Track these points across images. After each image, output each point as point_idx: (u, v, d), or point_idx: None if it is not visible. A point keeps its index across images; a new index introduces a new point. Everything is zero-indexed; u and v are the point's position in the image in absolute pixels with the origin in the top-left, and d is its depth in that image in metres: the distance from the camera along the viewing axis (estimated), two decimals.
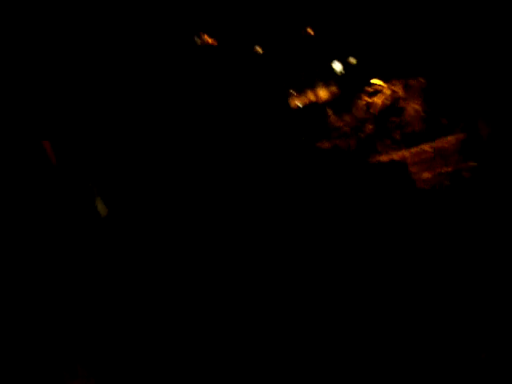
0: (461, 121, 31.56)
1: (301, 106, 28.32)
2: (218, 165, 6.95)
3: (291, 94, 32.07)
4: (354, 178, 8.06)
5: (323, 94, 33.71)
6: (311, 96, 33.74)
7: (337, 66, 36.07)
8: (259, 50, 19.53)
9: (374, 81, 30.42)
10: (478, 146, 28.35)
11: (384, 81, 31.02)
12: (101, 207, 6.47)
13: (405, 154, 28.91)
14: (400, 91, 30.37)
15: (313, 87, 35.22)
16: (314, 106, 31.22)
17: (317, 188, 7.47)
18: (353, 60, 33.27)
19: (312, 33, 28.22)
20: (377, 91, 31.52)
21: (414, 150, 30.52)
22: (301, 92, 34.03)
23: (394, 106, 30.23)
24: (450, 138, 30.25)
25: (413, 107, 30.78)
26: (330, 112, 34.72)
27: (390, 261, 7.04)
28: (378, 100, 30.61)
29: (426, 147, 30.93)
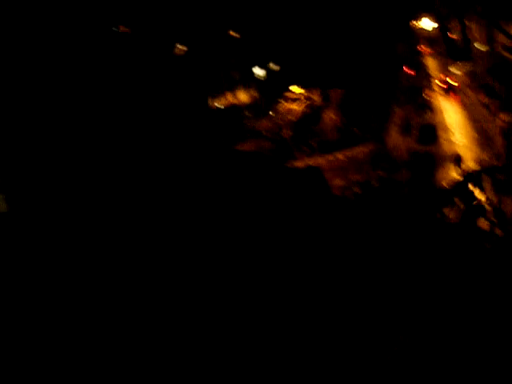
0: (371, 132, 33.01)
1: (220, 107, 28.15)
2: (131, 163, 6.68)
3: (211, 95, 31.80)
4: (271, 182, 8.10)
5: (243, 96, 33.81)
6: (231, 98, 33.66)
7: (258, 71, 36.36)
8: (182, 48, 19.25)
9: (293, 88, 31.08)
10: (385, 156, 29.77)
11: (303, 89, 31.81)
12: (1, 204, 6.02)
13: (320, 160, 29.89)
14: (318, 100, 31.35)
15: (233, 90, 35.18)
16: (234, 109, 31.19)
17: (233, 189, 7.40)
18: (274, 66, 33.75)
19: (236, 36, 28.21)
20: (296, 98, 32.23)
21: (328, 157, 31.60)
22: (221, 94, 33.82)
23: (311, 114, 31.11)
24: (362, 148, 31.68)
25: (329, 116, 31.91)
26: (249, 115, 34.71)
27: (295, 261, 7.19)
28: (296, 107, 31.32)
29: (340, 155, 32.18)
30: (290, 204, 7.62)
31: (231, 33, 31.55)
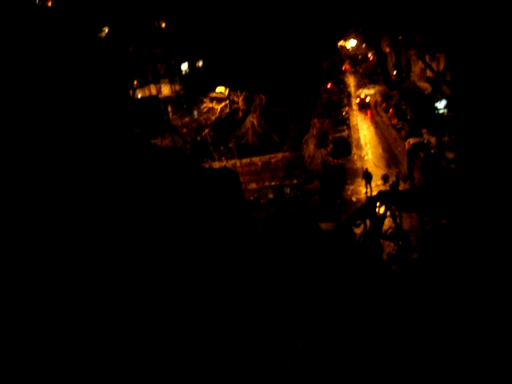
0: (288, 140, 33.62)
1: (140, 96, 27.13)
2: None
3: (134, 86, 30.66)
4: (186, 180, 7.95)
5: (166, 89, 32.95)
6: (154, 90, 32.62)
7: (184, 67, 35.62)
8: (105, 30, 18.38)
9: (218, 88, 30.87)
10: (300, 165, 30.37)
11: (228, 90, 31.70)
12: None
13: (236, 163, 29.93)
14: (241, 103, 31.39)
15: (157, 82, 34.09)
16: (155, 100, 30.25)
17: (148, 184, 7.17)
18: (201, 63, 33.29)
19: (163, 26, 27.44)
20: (220, 99, 32.04)
21: (245, 160, 31.74)
22: (145, 85, 32.69)
23: (233, 116, 31.09)
24: (278, 155, 32.17)
25: (250, 120, 32.06)
26: (170, 109, 33.91)
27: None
28: (219, 107, 31.10)
29: (256, 160, 32.46)
30: (202, 204, 7.49)
31: (159, 23, 30.77)
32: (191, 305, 6.23)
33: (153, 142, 26.80)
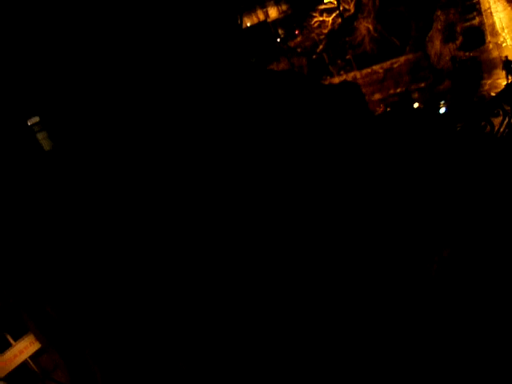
0: (410, 41, 31.00)
1: (249, 24, 26.93)
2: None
3: (242, 14, 30.40)
4: (307, 100, 7.80)
5: (273, 12, 32.13)
6: (262, 15, 32.07)
7: None
8: None
9: None
10: (426, 66, 28.05)
11: None
12: None
13: (356, 75, 28.63)
14: (352, 9, 29.44)
15: (264, 6, 33.37)
16: (264, 25, 29.78)
17: (270, 112, 7.17)
18: None
19: None
20: (328, 9, 30.41)
21: (365, 71, 30.24)
22: (252, 11, 32.23)
23: (345, 26, 29.42)
24: (400, 59, 30.00)
25: (365, 26, 30.06)
26: (281, 32, 33.23)
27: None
28: (329, 19, 29.60)
29: (378, 68, 30.69)
30: (329, 125, 7.37)
31: None
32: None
33: (269, 68, 26.69)
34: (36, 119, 7.25)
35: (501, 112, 8.34)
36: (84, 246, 5.47)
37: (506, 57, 25.39)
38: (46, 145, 7.26)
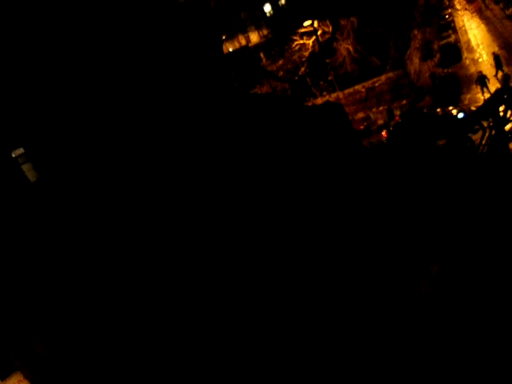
0: (390, 60, 31.65)
1: (231, 50, 27.26)
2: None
3: (223, 39, 30.78)
4: (291, 121, 7.87)
5: (254, 37, 32.66)
6: (242, 40, 32.53)
7: (267, 8, 34.83)
8: None
9: (306, 22, 29.74)
10: (407, 84, 28.57)
11: (316, 22, 30.46)
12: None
13: (339, 95, 29.02)
14: (331, 31, 29.99)
15: (244, 31, 33.90)
16: (246, 50, 30.18)
17: (257, 135, 7.21)
18: (283, 0, 32.27)
19: None
20: (309, 32, 30.98)
21: (347, 91, 30.68)
22: (232, 37, 32.69)
23: (326, 48, 29.95)
24: (382, 78, 30.57)
25: (345, 47, 30.65)
26: (263, 56, 33.67)
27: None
28: (310, 42, 30.12)
29: (359, 87, 31.21)
30: (313, 144, 7.41)
31: None
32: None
33: (252, 91, 26.94)
34: (21, 150, 7.21)
35: (479, 128, 8.48)
36: (71, 279, 5.38)
37: (480, 72, 26.06)
38: (31, 176, 7.21)
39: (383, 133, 23.53)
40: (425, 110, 23.31)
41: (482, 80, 26.03)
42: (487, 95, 24.23)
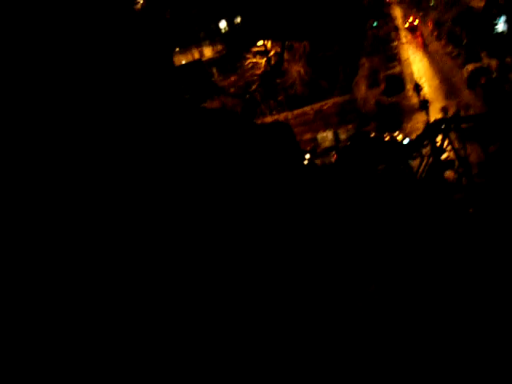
0: (338, 85, 32.66)
1: (184, 62, 27.26)
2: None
3: (176, 51, 30.75)
4: (240, 138, 7.94)
5: (208, 51, 32.77)
6: (196, 54, 32.60)
7: (223, 25, 35.16)
8: (141, 1, 18.32)
9: (259, 42, 30.26)
10: (353, 109, 29.61)
11: (268, 41, 31.05)
12: None
13: (288, 115, 29.60)
14: (284, 53, 30.68)
15: (199, 45, 33.95)
16: (199, 64, 30.22)
17: (200, 150, 7.21)
18: (239, 19, 32.73)
19: None
20: (262, 52, 31.50)
21: (296, 112, 31.32)
22: (187, 50, 32.71)
23: (278, 68, 30.53)
24: (329, 101, 31.45)
25: (296, 69, 31.40)
26: (215, 71, 33.82)
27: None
28: (263, 61, 30.61)
29: (308, 109, 31.95)
30: (260, 162, 7.49)
31: None
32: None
33: (202, 105, 26.94)
34: None
35: (418, 155, 8.97)
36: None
37: (424, 96, 27.69)
38: None
39: (333, 154, 24.21)
40: (372, 134, 24.25)
41: (424, 105, 28.47)
42: (428, 118, 25.75)
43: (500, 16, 26.28)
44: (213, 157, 6.91)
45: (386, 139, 23.42)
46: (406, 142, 23.30)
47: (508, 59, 27.01)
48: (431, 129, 8.95)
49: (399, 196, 8.67)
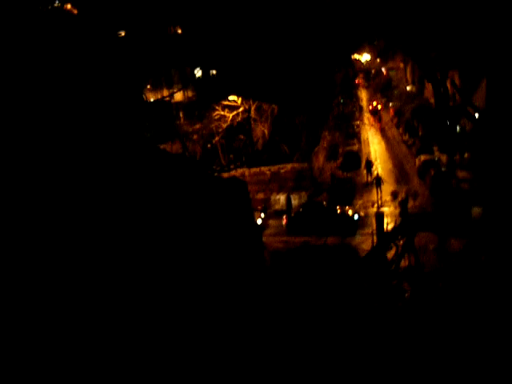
0: (298, 152, 33.40)
1: (152, 100, 27.22)
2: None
3: (148, 89, 30.71)
4: (194, 188, 7.83)
5: (178, 95, 32.93)
6: (166, 94, 32.64)
7: (198, 73, 35.65)
8: (122, 34, 18.41)
9: (231, 97, 30.82)
10: (309, 177, 30.20)
11: (240, 98, 31.63)
12: None
13: (245, 172, 29.74)
14: (253, 112, 31.34)
15: (170, 86, 34.14)
16: (166, 105, 30.22)
17: (152, 190, 7.03)
18: (214, 71, 33.37)
19: (179, 32, 27.58)
20: (231, 107, 32.00)
21: (254, 170, 31.57)
22: (157, 88, 32.78)
23: (244, 125, 31.00)
24: (288, 166, 31.98)
25: (261, 130, 31.97)
26: (182, 115, 33.91)
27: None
28: (230, 115, 31.06)
29: (266, 170, 32.28)
30: (209, 214, 7.35)
31: (175, 28, 30.81)
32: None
33: (162, 146, 26.71)
34: None
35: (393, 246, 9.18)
36: None
37: (377, 173, 28.76)
38: None
39: (284, 217, 24.43)
40: (325, 203, 24.76)
41: (368, 165, 31.18)
42: (380, 195, 26.64)
43: (456, 117, 28.18)
44: (160, 201, 6.73)
45: (338, 212, 23.97)
46: (356, 217, 24.00)
47: (457, 157, 28.76)
48: (393, 233, 9.35)
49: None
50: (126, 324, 5.45)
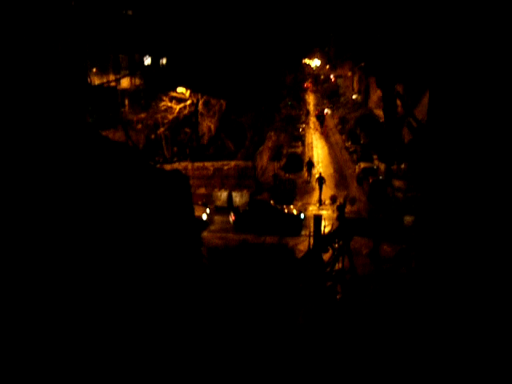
0: (243, 149, 33.38)
1: (97, 83, 26.23)
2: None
3: (93, 72, 29.56)
4: (134, 179, 7.61)
5: (125, 81, 31.93)
6: (112, 78, 31.56)
7: (147, 61, 34.75)
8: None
9: (179, 89, 30.31)
10: (251, 176, 30.28)
11: (188, 91, 31.14)
12: None
13: (188, 165, 29.35)
14: (201, 106, 30.96)
15: (117, 72, 33.06)
16: (112, 91, 29.23)
17: (91, 179, 6.76)
18: (164, 61, 32.65)
19: (130, 12, 26.68)
20: (179, 99, 31.45)
21: (197, 164, 31.20)
22: (103, 73, 31.62)
23: (190, 119, 30.58)
24: (231, 163, 31.87)
25: (207, 124, 31.64)
26: (127, 102, 32.94)
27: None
28: (177, 107, 30.54)
29: (209, 165, 32.01)
30: (148, 206, 7.19)
31: (126, 10, 29.93)
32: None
33: (104, 133, 25.84)
34: None
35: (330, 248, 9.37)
36: None
37: (320, 173, 29.40)
38: None
39: (231, 214, 24.33)
40: (272, 202, 24.94)
41: (309, 165, 32.49)
42: (320, 196, 27.29)
43: (398, 127, 29.24)
44: (99, 190, 6.48)
45: (286, 211, 24.24)
46: (302, 216, 24.37)
47: (394, 166, 29.93)
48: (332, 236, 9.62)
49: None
50: (46, 314, 5.29)
